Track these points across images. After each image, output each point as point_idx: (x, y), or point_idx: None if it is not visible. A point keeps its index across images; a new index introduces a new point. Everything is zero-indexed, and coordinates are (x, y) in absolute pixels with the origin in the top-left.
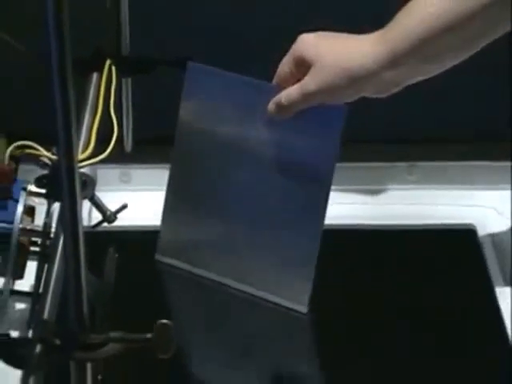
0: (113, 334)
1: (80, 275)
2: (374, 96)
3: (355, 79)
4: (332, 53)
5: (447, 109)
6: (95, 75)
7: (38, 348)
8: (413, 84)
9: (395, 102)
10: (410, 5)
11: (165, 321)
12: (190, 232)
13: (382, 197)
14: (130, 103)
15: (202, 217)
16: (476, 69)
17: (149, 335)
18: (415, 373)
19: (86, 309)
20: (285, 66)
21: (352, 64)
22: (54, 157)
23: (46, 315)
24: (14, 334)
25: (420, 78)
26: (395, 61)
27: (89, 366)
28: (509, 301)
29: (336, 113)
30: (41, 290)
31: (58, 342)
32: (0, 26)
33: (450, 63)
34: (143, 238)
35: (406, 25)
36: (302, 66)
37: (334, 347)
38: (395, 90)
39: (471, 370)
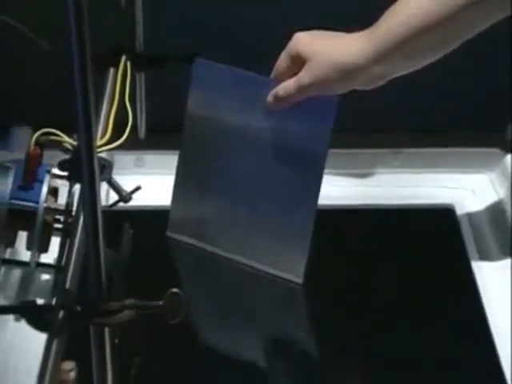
0: (128, 302)
1: (99, 249)
2: (363, 88)
3: (346, 73)
4: (325, 50)
5: (428, 101)
6: (112, 70)
7: (61, 314)
8: (397, 77)
9: (382, 94)
10: (395, 5)
11: (175, 289)
12: (197, 210)
13: (370, 180)
14: (144, 95)
15: (208, 197)
16: (454, 63)
17: (160, 302)
18: (400, 333)
19: (104, 279)
20: (282, 61)
21: (343, 60)
22: (75, 143)
23: (68, 285)
24: (40, 301)
25: (403, 72)
26: (381, 57)
27: (106, 330)
28: (483, 271)
29: (328, 103)
30: (63, 263)
31: (78, 308)
32: (26, 24)
33: (430, 59)
34: (155, 216)
35: (391, 24)
36: (298, 62)
37: (326, 314)
38: (381, 83)
39: (449, 331)
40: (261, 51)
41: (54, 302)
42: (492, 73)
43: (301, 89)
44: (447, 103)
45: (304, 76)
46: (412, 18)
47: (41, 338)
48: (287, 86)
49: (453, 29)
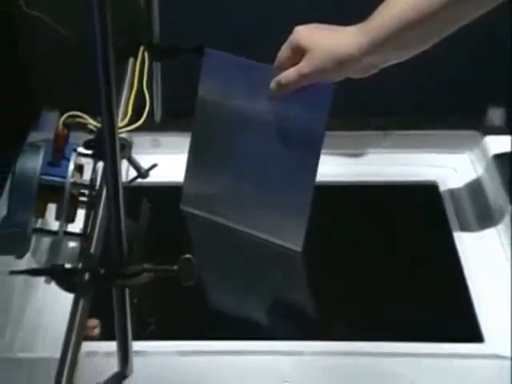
0: (146, 266)
1: (120, 219)
2: (357, 77)
3: (341, 63)
4: (322, 42)
5: (414, 87)
6: (131, 60)
7: (86, 276)
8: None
9: (373, 82)
10: (387, 1)
11: (187, 255)
12: (207, 186)
13: (361, 159)
14: (159, 82)
15: (217, 174)
16: (440, 49)
17: (175, 267)
18: (390, 295)
19: (124, 245)
20: (283, 52)
21: (339, 51)
22: (98, 124)
23: (92, 250)
24: (67, 265)
25: (394, 62)
26: (373, 49)
27: (127, 291)
28: (462, 240)
29: (325, 90)
30: (88, 231)
31: (102, 271)
32: (56, 20)
33: (419, 50)
34: (170, 191)
35: (383, 18)
36: (298, 53)
37: (323, 277)
38: (373, 71)
39: (431, 289)
40: (264, 44)
41: (79, 265)
42: (474, 60)
43: (301, 77)
44: (433, 90)
45: (304, 65)
46: (402, 12)
47: (68, 297)
48: (288, 74)
49: (440, 22)
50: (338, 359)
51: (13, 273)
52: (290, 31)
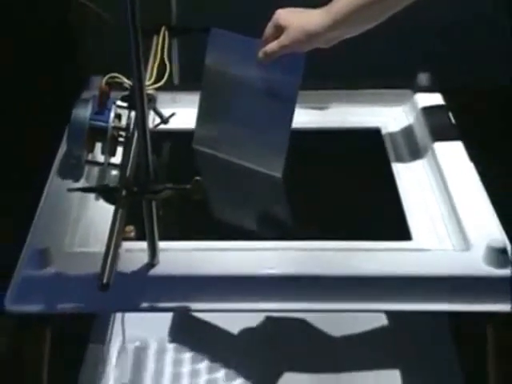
0: (167, 185)
1: (147, 152)
2: (322, 47)
3: (311, 37)
4: (297, 21)
5: (365, 57)
6: (155, 37)
7: (124, 193)
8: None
9: (336, 53)
10: None
11: (197, 178)
12: (212, 130)
13: (325, 111)
14: (177, 54)
15: (219, 121)
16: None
17: (188, 186)
18: (345, 208)
19: (151, 170)
20: (268, 29)
21: (309, 28)
22: (131, 83)
23: (128, 172)
24: (110, 185)
25: (349, 36)
26: (334, 26)
27: (153, 203)
28: (398, 170)
29: (299, 58)
30: (125, 162)
31: (135, 189)
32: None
33: (369, 26)
34: (185, 134)
35: (341, 4)
36: (279, 30)
37: (296, 195)
38: (334, 42)
39: (375, 205)
40: (255, 24)
41: (119, 185)
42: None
43: (281, 48)
44: (379, 59)
45: (283, 39)
46: (354, 0)
47: (111, 209)
48: (272, 46)
49: (383, 6)
50: (308, 253)
51: (70, 190)
52: (272, 13)
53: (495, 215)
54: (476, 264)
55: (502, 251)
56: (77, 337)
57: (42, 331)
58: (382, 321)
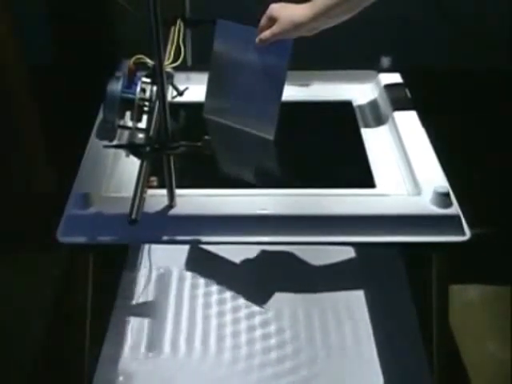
0: (183, 142)
1: (166, 118)
2: (306, 35)
3: (297, 26)
4: (286, 13)
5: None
6: (172, 27)
7: (147, 149)
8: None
9: (317, 40)
10: None
11: (207, 137)
12: (218, 102)
13: (306, 88)
14: (190, 41)
15: (225, 93)
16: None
17: (199, 143)
18: (322, 162)
19: (169, 132)
20: (263, 20)
21: (296, 19)
22: (153, 63)
23: (151, 133)
24: (137, 143)
25: (328, 26)
26: (315, 18)
27: (171, 158)
28: (367, 133)
29: (287, 43)
30: (149, 126)
31: (157, 146)
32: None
33: (345, 18)
34: (197, 105)
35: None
36: (272, 21)
37: (286, 154)
38: (316, 32)
39: (347, 160)
40: (253, 14)
41: (144, 143)
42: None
43: (274, 35)
44: (350, 44)
45: (275, 28)
46: None
47: (138, 162)
48: (266, 34)
49: (358, 1)
50: (293, 198)
51: (106, 146)
52: (266, 8)
53: (440, 167)
54: (425, 205)
55: (446, 195)
56: (114, 263)
57: (86, 257)
58: (351, 253)
